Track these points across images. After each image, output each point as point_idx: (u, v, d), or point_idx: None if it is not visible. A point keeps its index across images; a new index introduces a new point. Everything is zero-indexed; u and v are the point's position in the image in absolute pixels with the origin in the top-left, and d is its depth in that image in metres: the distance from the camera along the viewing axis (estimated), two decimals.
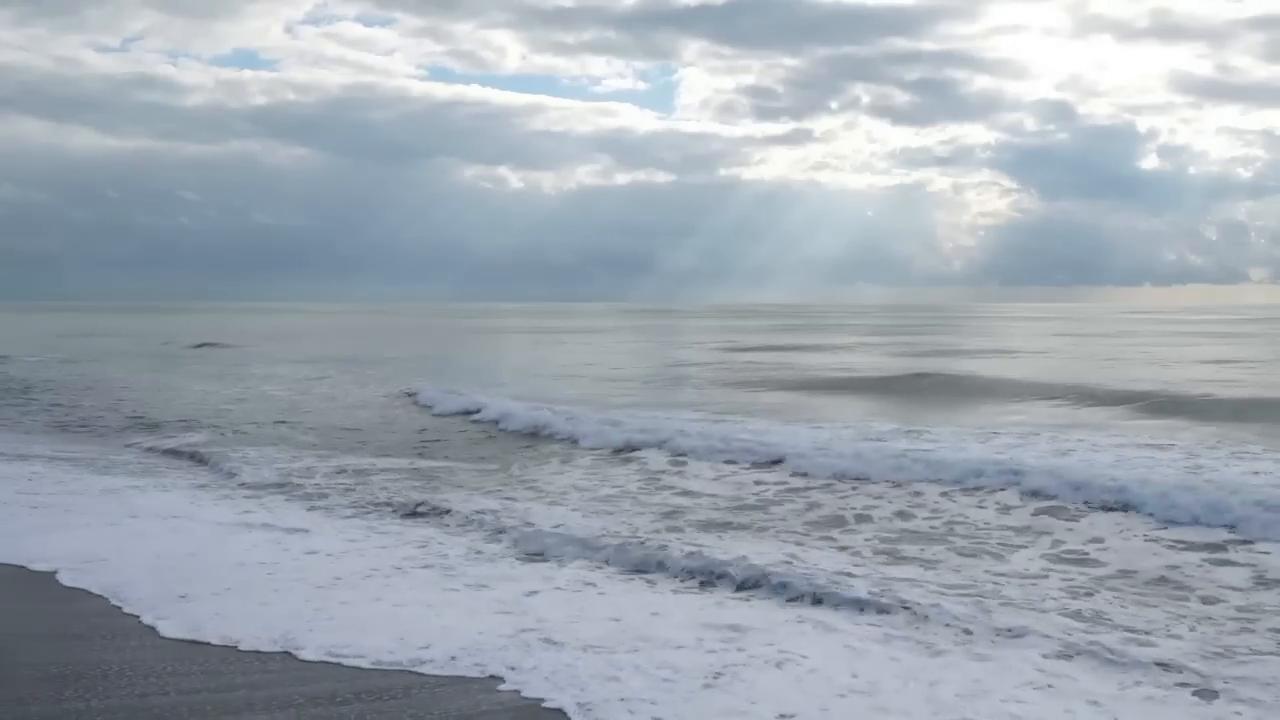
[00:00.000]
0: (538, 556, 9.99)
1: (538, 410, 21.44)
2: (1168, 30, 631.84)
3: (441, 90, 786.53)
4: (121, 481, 14.50)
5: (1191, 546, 10.33)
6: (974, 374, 31.70)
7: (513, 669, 6.60)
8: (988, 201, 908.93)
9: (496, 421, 21.25)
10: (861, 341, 58.35)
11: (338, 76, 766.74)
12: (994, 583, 9.04)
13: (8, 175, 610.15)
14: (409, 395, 27.35)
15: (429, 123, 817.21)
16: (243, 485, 14.35)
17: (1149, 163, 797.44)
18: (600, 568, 9.54)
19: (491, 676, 6.51)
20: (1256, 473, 13.40)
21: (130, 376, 35.18)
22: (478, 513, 11.92)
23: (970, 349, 48.26)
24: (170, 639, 7.28)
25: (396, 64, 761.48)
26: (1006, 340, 58.37)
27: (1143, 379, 29.00)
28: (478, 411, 22.59)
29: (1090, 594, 8.75)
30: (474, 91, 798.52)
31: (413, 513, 12.21)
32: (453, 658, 6.82)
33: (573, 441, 18.26)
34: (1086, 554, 10.23)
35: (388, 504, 12.72)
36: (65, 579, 8.93)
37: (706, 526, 11.50)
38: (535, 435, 19.40)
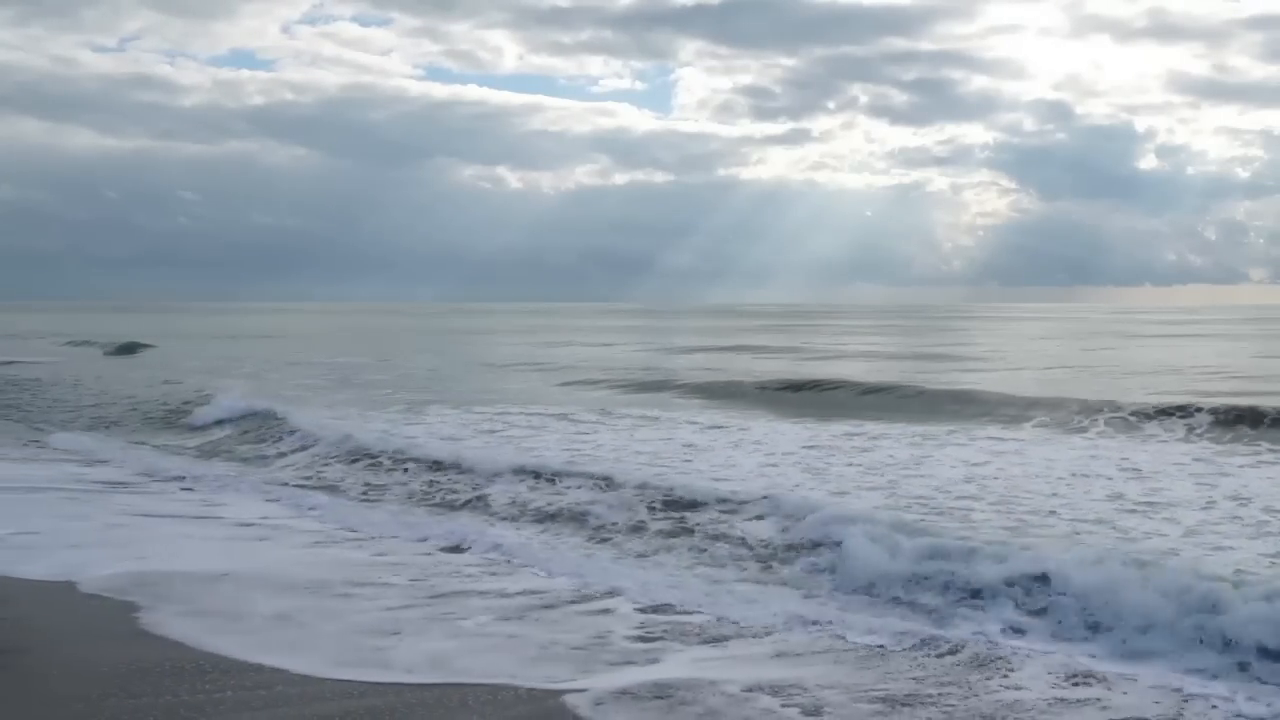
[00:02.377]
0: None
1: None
2: (1165, 30, 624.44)
3: (439, 90, 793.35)
4: None
5: None
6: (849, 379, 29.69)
7: None
8: (986, 201, 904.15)
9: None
10: (809, 343, 54.68)
11: (335, 76, 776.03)
12: None
13: (5, 175, 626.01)
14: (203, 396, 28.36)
15: (427, 122, 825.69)
16: None
17: (1147, 163, 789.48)
18: None
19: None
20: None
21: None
22: None
23: (922, 353, 45.92)
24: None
25: (394, 64, 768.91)
26: (970, 342, 56.58)
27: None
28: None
29: None
30: (471, 91, 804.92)
31: None
32: None
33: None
34: None
35: None
36: None
37: None
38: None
